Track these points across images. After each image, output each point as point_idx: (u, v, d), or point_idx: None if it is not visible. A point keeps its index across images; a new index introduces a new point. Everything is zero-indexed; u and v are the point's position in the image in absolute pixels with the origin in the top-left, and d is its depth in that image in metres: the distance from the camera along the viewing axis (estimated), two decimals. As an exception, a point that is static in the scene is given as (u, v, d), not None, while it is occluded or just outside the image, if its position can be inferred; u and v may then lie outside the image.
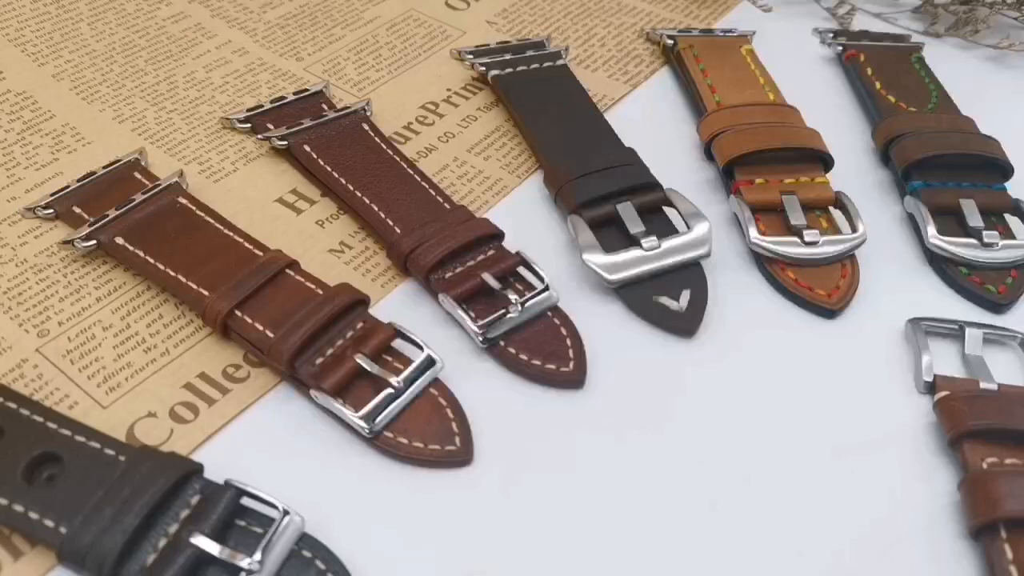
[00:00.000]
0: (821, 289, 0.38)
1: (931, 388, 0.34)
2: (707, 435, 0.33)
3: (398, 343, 0.34)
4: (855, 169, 0.46)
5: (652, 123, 0.48)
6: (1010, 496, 0.29)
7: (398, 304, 0.37)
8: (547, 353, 0.34)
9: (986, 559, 0.29)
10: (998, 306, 0.38)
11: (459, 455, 0.31)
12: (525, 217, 0.41)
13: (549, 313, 0.36)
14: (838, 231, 0.40)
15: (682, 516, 0.31)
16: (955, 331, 0.36)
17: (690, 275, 0.38)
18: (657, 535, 0.31)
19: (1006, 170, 0.42)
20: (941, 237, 0.39)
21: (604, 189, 0.39)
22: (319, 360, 0.32)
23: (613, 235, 0.39)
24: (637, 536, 0.31)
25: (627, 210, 0.39)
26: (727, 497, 0.32)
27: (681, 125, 0.47)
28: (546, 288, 0.36)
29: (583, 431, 0.33)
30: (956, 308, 0.39)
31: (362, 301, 0.34)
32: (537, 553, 0.30)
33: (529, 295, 0.35)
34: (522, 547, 0.30)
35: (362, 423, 0.31)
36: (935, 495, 0.32)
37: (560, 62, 0.48)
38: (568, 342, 0.35)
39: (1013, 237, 0.40)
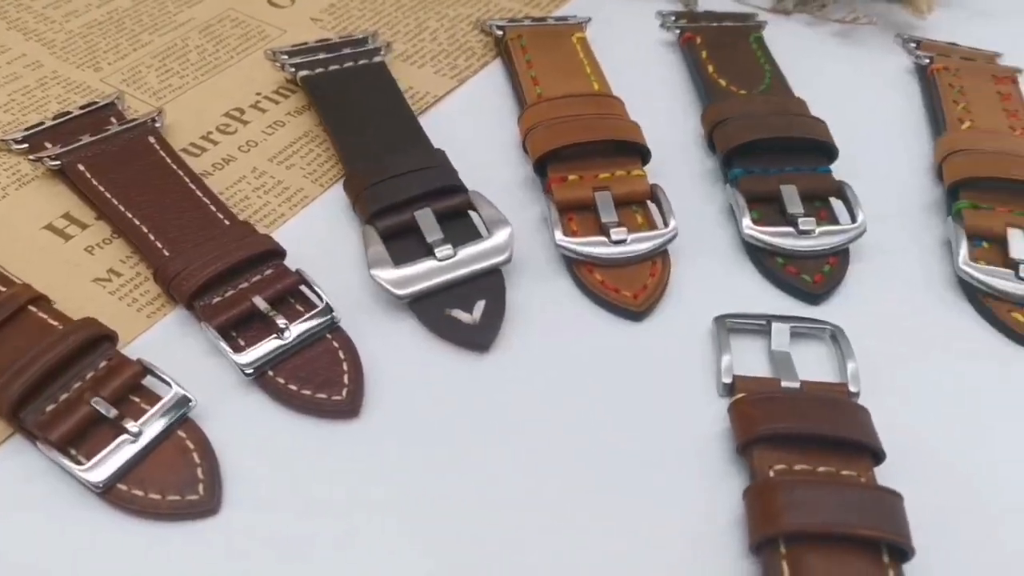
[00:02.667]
0: (627, 290, 0.36)
1: (730, 390, 0.32)
2: (493, 456, 0.31)
3: (151, 381, 0.31)
4: (685, 159, 0.44)
5: (476, 120, 0.45)
6: (790, 508, 0.27)
7: (165, 336, 0.34)
8: (319, 381, 0.31)
9: (764, 577, 0.27)
10: (814, 297, 0.36)
11: (202, 504, 0.28)
12: (326, 229, 0.39)
13: (329, 336, 0.33)
14: (655, 226, 0.38)
15: (466, 540, 0.29)
16: (763, 326, 0.35)
17: (488, 284, 0.35)
18: (443, 565, 0.28)
19: (831, 152, 0.41)
20: (756, 227, 0.38)
21: (400, 195, 0.37)
22: (50, 407, 0.29)
23: (412, 244, 0.36)
24: (421, 571, 0.28)
25: (425, 217, 0.36)
26: (513, 516, 0.29)
27: (506, 121, 0.45)
28: (324, 310, 0.33)
29: (358, 465, 0.31)
30: (774, 302, 0.37)
31: (107, 336, 0.31)
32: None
33: (302, 318, 0.33)
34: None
35: (88, 477, 0.28)
36: (724, 507, 0.30)
37: (377, 59, 0.45)
38: (344, 367, 0.32)
39: (836, 222, 0.39)
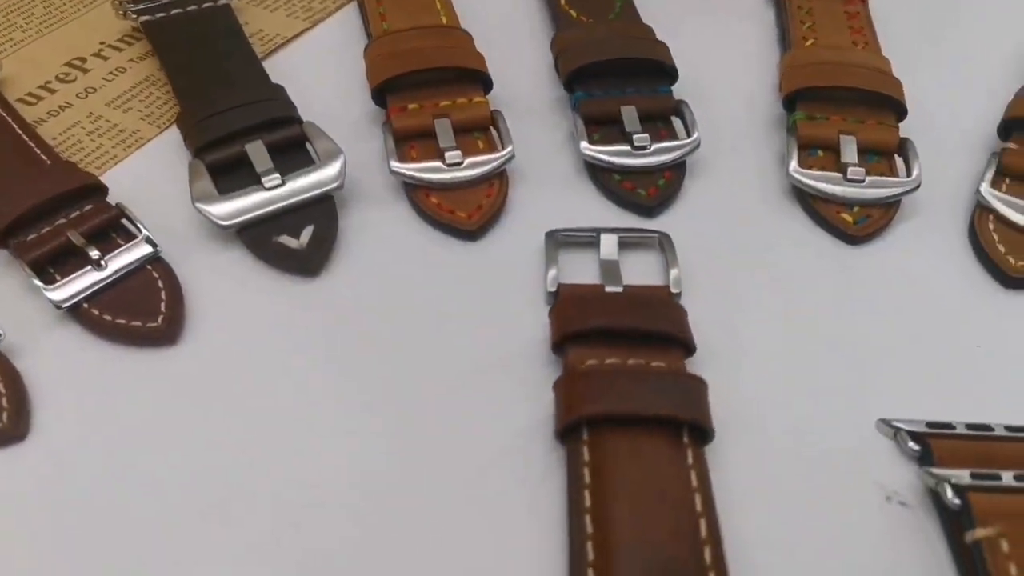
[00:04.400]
0: (462, 211, 0.36)
1: (555, 299, 0.33)
2: (322, 375, 0.31)
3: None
4: (537, 89, 0.44)
5: (325, 60, 0.44)
6: (591, 395, 0.27)
7: (-17, 277, 0.33)
8: (136, 310, 0.31)
9: (567, 464, 0.27)
10: (648, 209, 0.37)
11: (6, 433, 0.28)
12: (159, 168, 0.38)
13: (149, 267, 0.33)
14: (495, 151, 0.38)
15: (291, 462, 0.29)
16: (593, 239, 0.35)
17: (319, 211, 0.35)
18: (263, 488, 0.28)
19: (671, 74, 0.41)
20: (593, 147, 0.38)
21: (229, 128, 0.36)
22: None
23: (243, 177, 0.36)
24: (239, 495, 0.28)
25: (256, 149, 0.36)
26: (339, 429, 0.30)
27: (356, 61, 0.44)
28: (143, 241, 0.33)
29: (177, 392, 0.30)
30: (613, 219, 0.37)
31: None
32: (96, 545, 0.27)
33: (119, 250, 0.32)
34: (81, 537, 0.27)
35: None
36: (540, 406, 0.30)
37: (223, 2, 0.44)
38: (163, 295, 0.32)
39: (676, 139, 0.40)
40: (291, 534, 0.27)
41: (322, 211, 0.35)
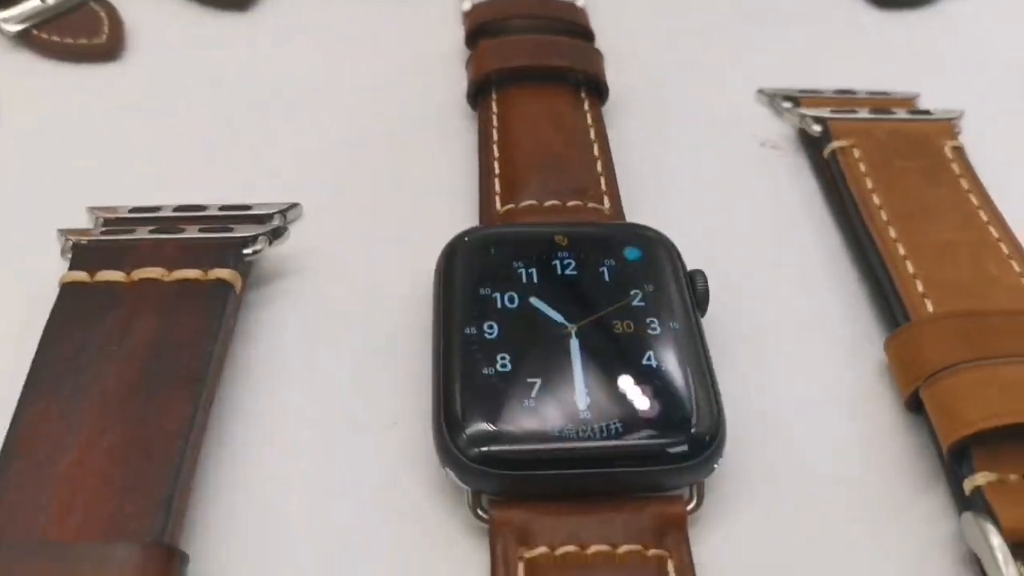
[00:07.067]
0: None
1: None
2: (254, 90, 0.34)
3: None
4: None
5: None
6: (501, 55, 0.31)
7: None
8: (80, 31, 0.34)
9: (479, 119, 0.31)
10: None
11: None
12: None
13: (92, 3, 0.35)
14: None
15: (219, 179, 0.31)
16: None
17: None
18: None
19: None
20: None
21: None
22: None
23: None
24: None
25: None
26: (275, 134, 0.32)
27: None
28: (85, -21, 0.35)
29: (118, 101, 0.33)
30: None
31: None
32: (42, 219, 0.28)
33: (62, -18, 0.35)
34: (31, 212, 0.29)
35: None
36: (455, 88, 0.33)
37: None
38: (105, 21, 0.34)
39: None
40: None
41: (252, -45, 0.38)
